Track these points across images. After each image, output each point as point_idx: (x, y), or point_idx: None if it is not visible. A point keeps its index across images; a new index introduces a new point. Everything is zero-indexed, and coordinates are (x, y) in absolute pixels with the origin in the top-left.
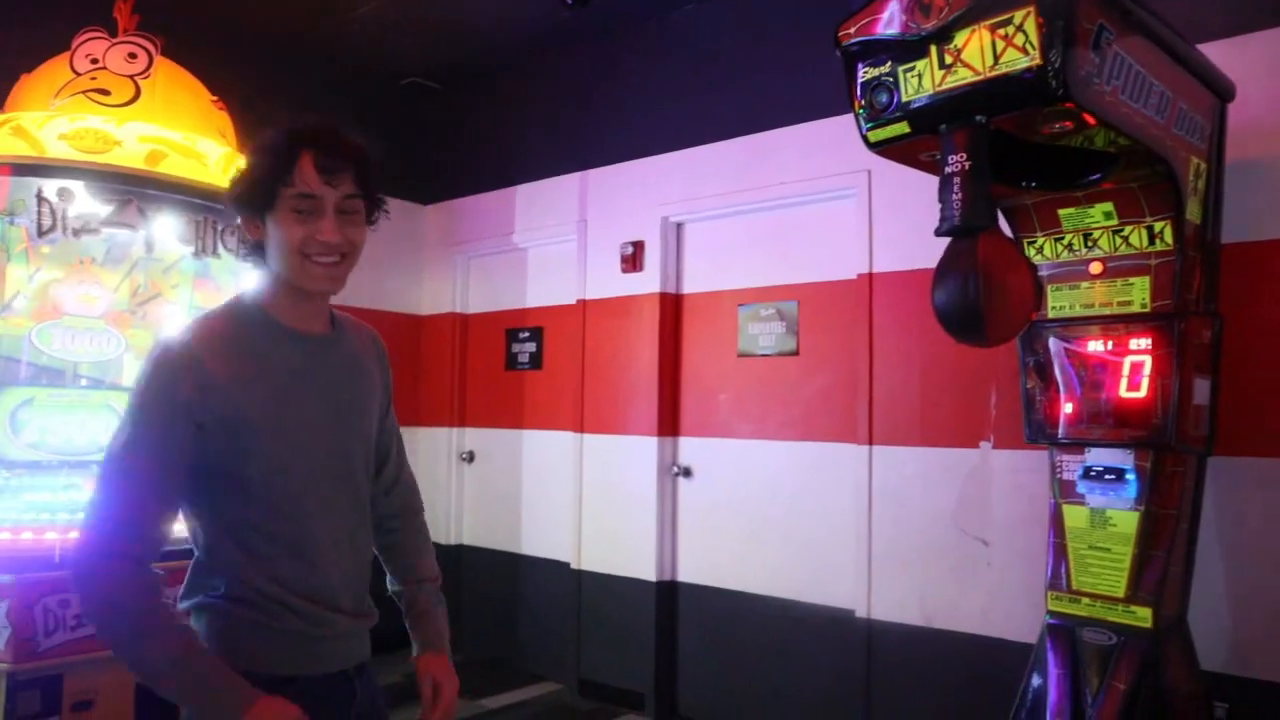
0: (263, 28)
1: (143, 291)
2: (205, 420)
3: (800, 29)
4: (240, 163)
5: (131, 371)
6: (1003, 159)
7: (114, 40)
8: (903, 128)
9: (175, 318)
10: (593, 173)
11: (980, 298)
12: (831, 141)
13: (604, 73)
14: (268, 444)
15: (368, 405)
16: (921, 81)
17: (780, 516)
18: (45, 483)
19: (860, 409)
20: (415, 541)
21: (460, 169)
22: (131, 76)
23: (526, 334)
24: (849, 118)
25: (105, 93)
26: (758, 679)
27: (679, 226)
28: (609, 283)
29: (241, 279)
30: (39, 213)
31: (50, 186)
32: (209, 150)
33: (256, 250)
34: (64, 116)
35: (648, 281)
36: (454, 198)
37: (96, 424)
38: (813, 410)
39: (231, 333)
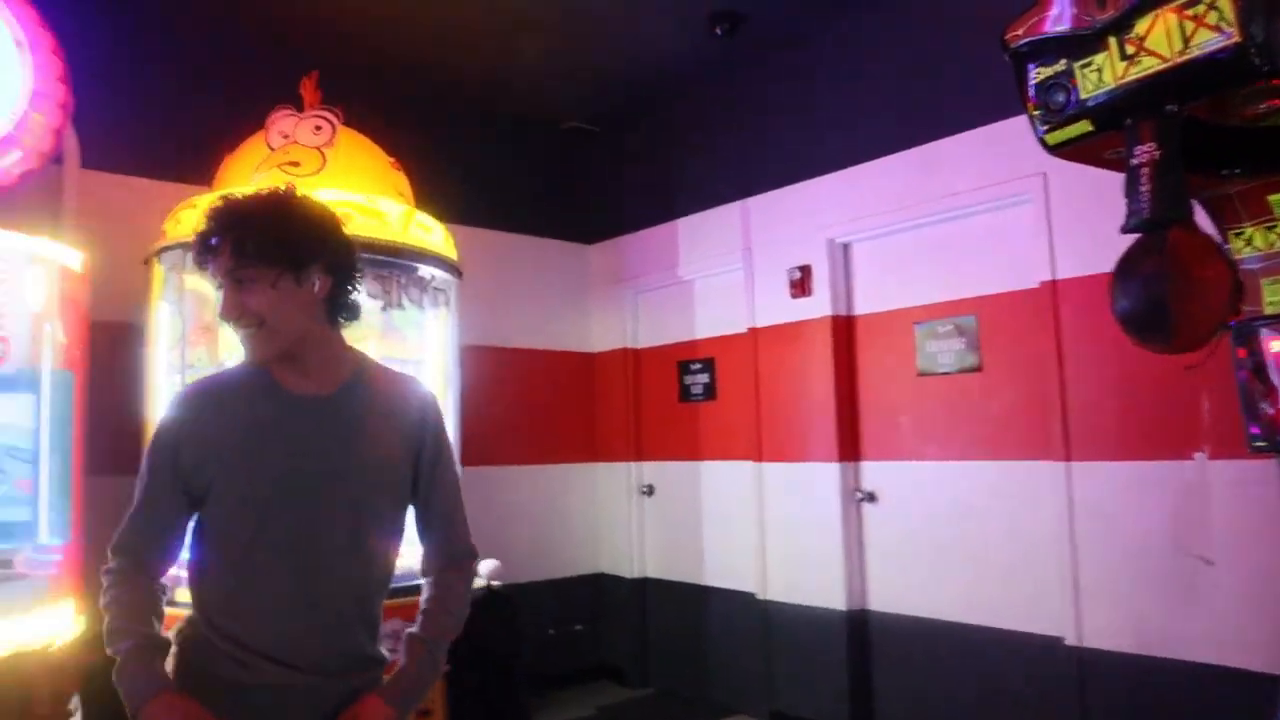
0: (430, 88)
1: None
2: (182, 466)
3: (956, 34)
4: None
5: None
6: (1199, 145)
7: (302, 115)
8: (1084, 127)
9: None
10: (753, 200)
11: (1169, 295)
12: (1001, 146)
13: (758, 99)
14: (222, 494)
15: (370, 469)
16: (1101, 76)
17: (974, 539)
18: None
19: (1054, 424)
20: (432, 601)
21: (621, 207)
22: (318, 147)
23: (698, 365)
24: (1017, 120)
25: (296, 164)
26: (958, 708)
27: (846, 247)
28: (778, 309)
29: (425, 330)
30: None
31: None
32: (389, 209)
33: None
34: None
35: (818, 305)
36: (617, 235)
37: None
38: (1001, 428)
39: (216, 390)
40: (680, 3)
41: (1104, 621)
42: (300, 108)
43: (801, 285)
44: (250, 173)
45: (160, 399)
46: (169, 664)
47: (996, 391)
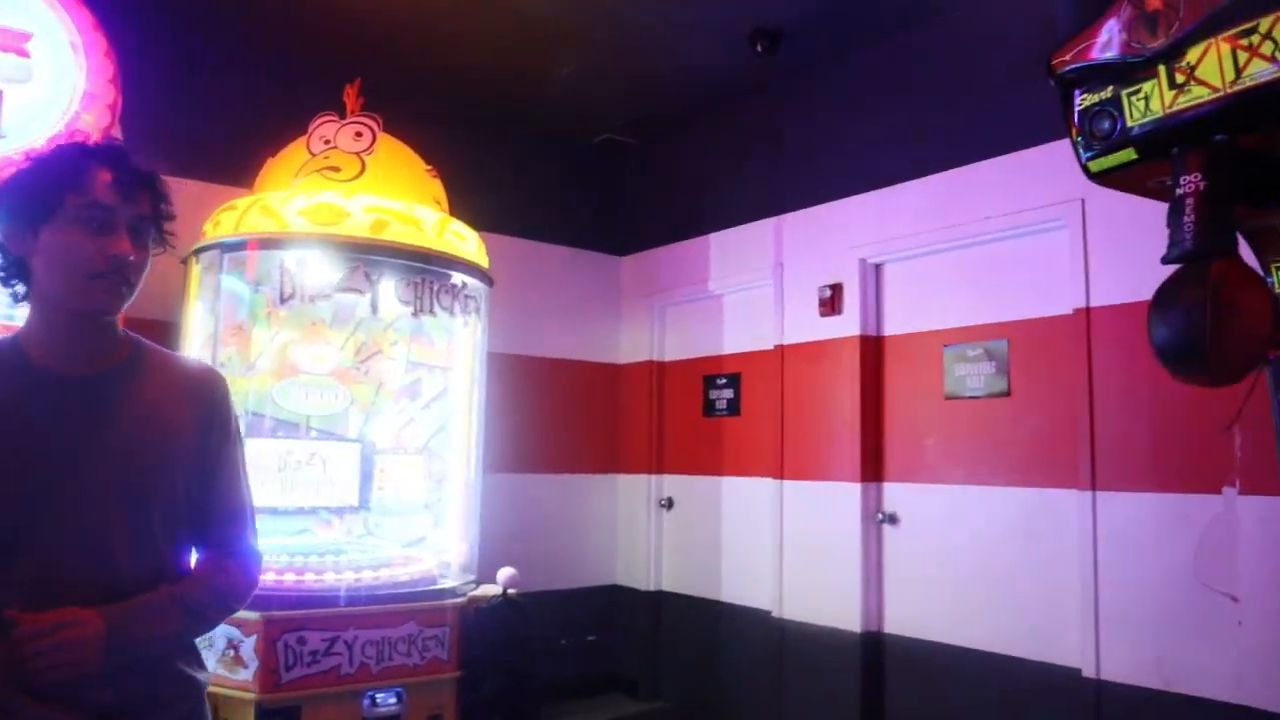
0: (468, 98)
1: (365, 349)
2: None
3: (994, 59)
4: (9, 173)
5: (355, 423)
6: (1245, 176)
7: (343, 122)
8: (1128, 154)
9: (394, 372)
10: (787, 217)
11: (1208, 325)
12: (1037, 171)
13: (795, 116)
14: None
15: (151, 459)
16: (1149, 104)
17: (995, 566)
18: (283, 527)
19: (1081, 452)
20: (193, 575)
21: (654, 219)
22: (358, 153)
23: (724, 380)
24: (1055, 145)
25: (336, 170)
26: None
27: (878, 267)
28: (807, 327)
29: (454, 336)
30: (281, 282)
31: (290, 257)
32: (425, 216)
33: (12, 270)
34: (303, 194)
35: (847, 324)
36: (649, 248)
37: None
38: (1028, 454)
39: None
40: (721, 19)
41: (1124, 655)
42: (342, 114)
43: (832, 304)
44: (291, 177)
45: None
46: None
47: (1024, 417)
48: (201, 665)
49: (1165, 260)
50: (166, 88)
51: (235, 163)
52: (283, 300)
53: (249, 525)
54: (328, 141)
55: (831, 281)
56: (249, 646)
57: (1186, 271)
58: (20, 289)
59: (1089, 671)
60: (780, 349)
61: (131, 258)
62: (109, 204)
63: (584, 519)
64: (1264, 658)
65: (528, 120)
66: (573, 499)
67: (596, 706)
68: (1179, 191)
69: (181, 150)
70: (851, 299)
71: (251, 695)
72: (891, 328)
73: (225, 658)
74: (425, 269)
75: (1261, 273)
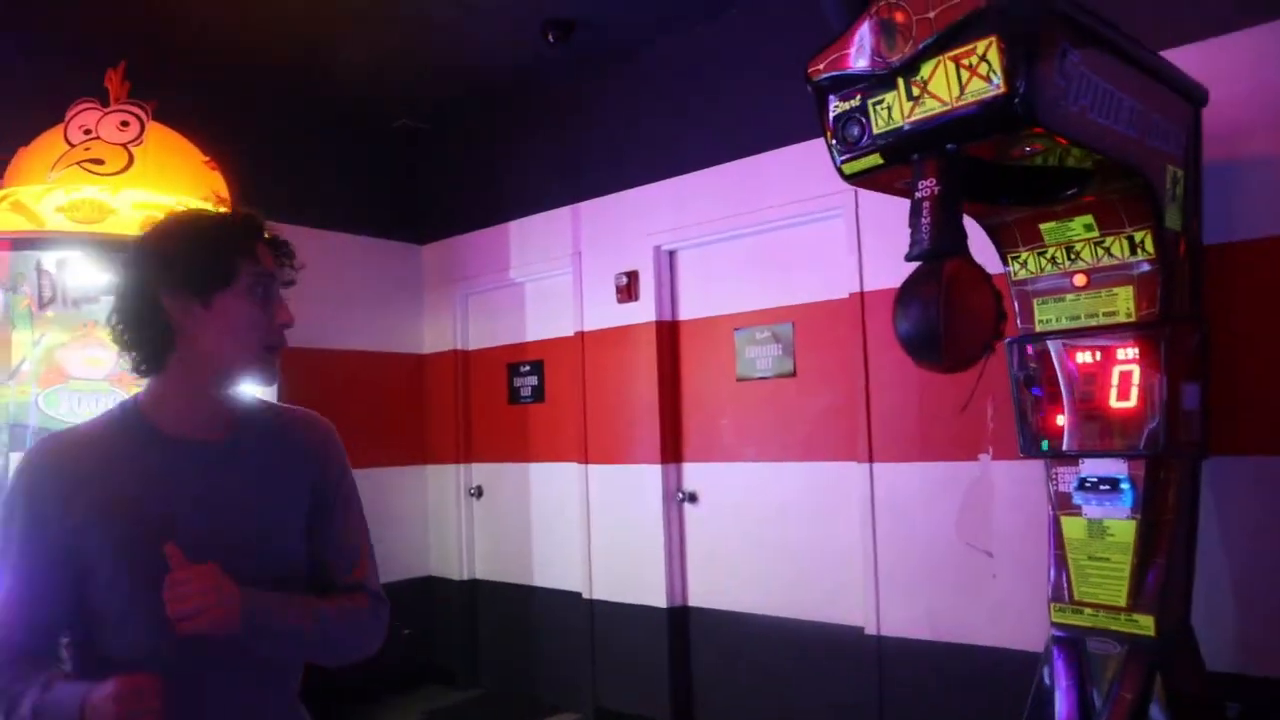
0: (253, 83)
1: None
2: (50, 531)
3: (781, 53)
4: (166, 233)
5: None
6: (981, 178)
7: (106, 110)
8: (875, 160)
9: None
10: (584, 205)
11: (940, 320)
12: (818, 162)
13: (590, 105)
14: (103, 565)
15: (275, 518)
16: (891, 114)
17: (788, 537)
18: None
19: (860, 427)
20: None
21: (454, 207)
22: (125, 144)
23: (528, 368)
24: None
25: (100, 162)
26: (772, 698)
27: (672, 254)
28: (606, 314)
29: None
30: (40, 285)
31: (49, 258)
32: None
33: (159, 343)
34: (60, 189)
35: (644, 310)
36: (450, 236)
37: None
38: (814, 431)
39: (98, 440)
40: (513, 6)
41: (900, 611)
42: (105, 102)
43: (628, 290)
44: (46, 170)
45: None
46: None
47: (810, 396)
48: None
49: (907, 258)
50: None
51: None
52: (42, 304)
53: (374, 568)
54: (89, 131)
55: (628, 269)
56: None
57: (925, 269)
58: (156, 358)
59: (871, 629)
60: (581, 335)
61: (286, 319)
62: (272, 272)
63: (394, 511)
64: (1016, 604)
65: (319, 107)
66: (382, 492)
67: (415, 699)
68: (918, 195)
69: None
70: (647, 286)
71: None
72: (686, 313)
73: None
74: None
75: (1001, 263)
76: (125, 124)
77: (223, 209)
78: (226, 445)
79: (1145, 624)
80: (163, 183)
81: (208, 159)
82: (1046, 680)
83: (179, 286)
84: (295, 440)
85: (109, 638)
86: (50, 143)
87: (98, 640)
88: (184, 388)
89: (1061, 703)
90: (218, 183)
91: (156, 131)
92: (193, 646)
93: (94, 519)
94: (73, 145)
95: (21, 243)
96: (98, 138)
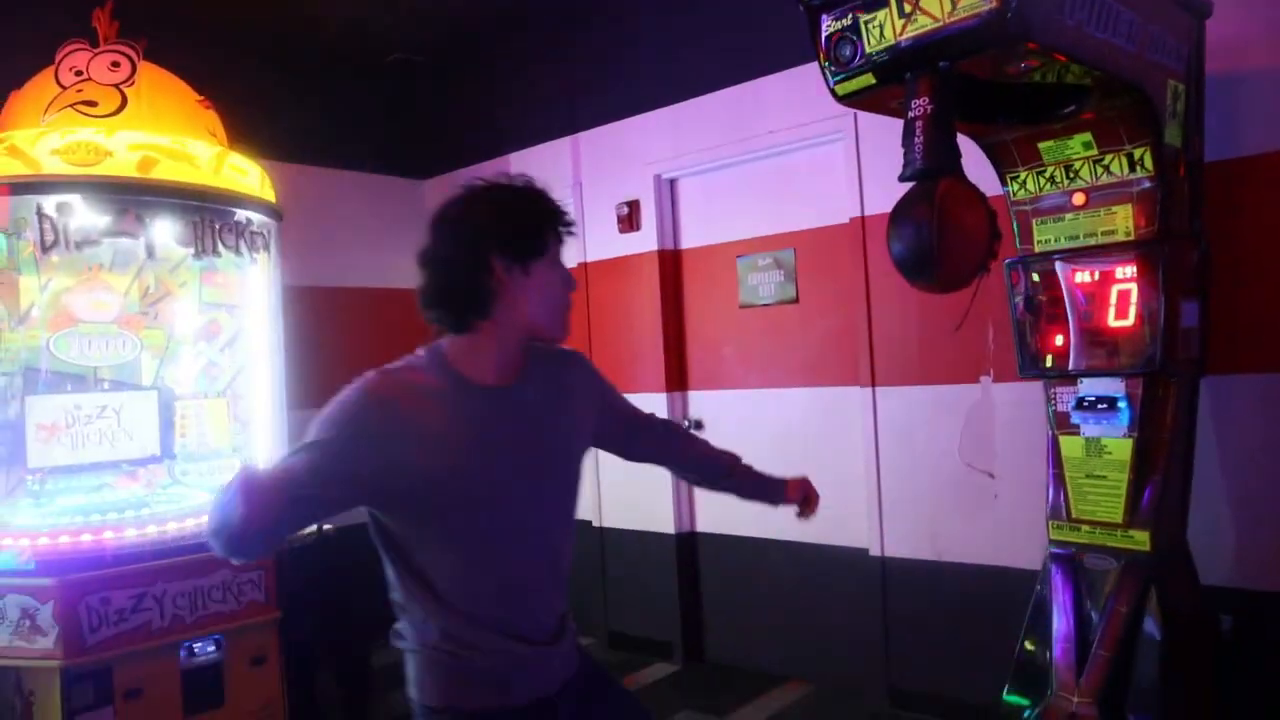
0: (241, 19)
1: (153, 292)
2: (378, 465)
3: None
4: (492, 203)
5: (149, 371)
6: (978, 97)
7: (96, 50)
8: (868, 79)
9: (187, 314)
10: (584, 135)
11: (934, 239)
12: (818, 85)
13: (587, 34)
14: (452, 498)
15: (563, 447)
16: (883, 32)
17: (792, 462)
18: (78, 485)
19: (862, 351)
20: (697, 448)
21: (454, 141)
22: (117, 85)
23: None
24: None
25: (92, 104)
26: (779, 621)
27: (672, 183)
28: (608, 244)
29: (247, 271)
30: (41, 229)
31: (49, 202)
32: (199, 152)
33: (481, 304)
34: (55, 132)
35: (645, 240)
36: (451, 170)
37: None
38: (816, 356)
39: (423, 385)
40: None
41: (903, 533)
42: (95, 42)
43: (630, 220)
44: (39, 113)
45: None
46: (429, 682)
47: (812, 322)
48: None
49: (901, 178)
50: None
51: None
52: (45, 249)
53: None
54: (80, 73)
55: (629, 198)
56: (46, 614)
57: (918, 189)
58: (479, 314)
59: (875, 550)
60: (584, 266)
61: (575, 289)
62: (564, 242)
63: None
64: (1016, 524)
65: (313, 42)
66: None
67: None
68: (910, 114)
69: None
70: (649, 215)
71: (55, 663)
72: (688, 241)
73: (21, 629)
74: (204, 207)
75: (1000, 183)
76: (116, 64)
77: (524, 183)
78: (517, 387)
79: (1141, 539)
80: (158, 123)
81: (202, 98)
82: (1045, 596)
83: (509, 255)
84: (566, 375)
85: (436, 557)
86: (42, 85)
87: (423, 563)
88: (494, 343)
89: (1059, 617)
90: (213, 122)
91: (148, 71)
92: (514, 563)
93: (420, 454)
94: (65, 87)
95: (20, 188)
96: (89, 79)
